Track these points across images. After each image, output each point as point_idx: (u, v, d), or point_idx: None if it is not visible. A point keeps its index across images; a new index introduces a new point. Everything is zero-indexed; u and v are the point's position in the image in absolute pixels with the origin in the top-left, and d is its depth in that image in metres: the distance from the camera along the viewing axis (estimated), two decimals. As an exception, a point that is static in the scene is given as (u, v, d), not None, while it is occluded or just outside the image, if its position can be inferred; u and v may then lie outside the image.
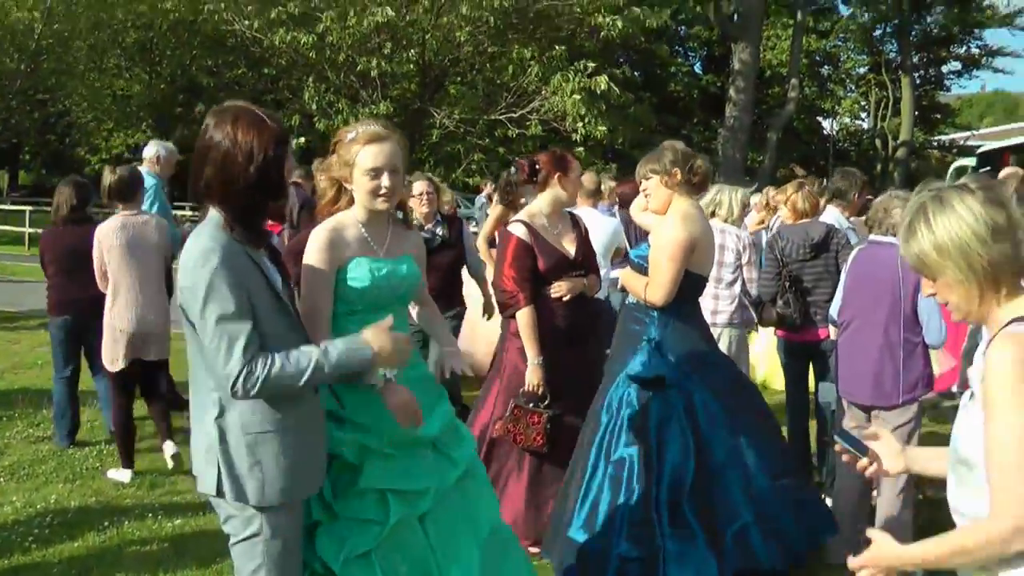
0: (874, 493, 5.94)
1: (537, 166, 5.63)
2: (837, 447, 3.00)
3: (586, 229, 5.85)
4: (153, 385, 7.15)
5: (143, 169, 8.49)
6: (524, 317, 5.39)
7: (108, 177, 6.94)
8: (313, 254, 3.61)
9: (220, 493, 3.13)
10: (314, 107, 22.21)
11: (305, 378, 3.04)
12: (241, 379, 2.96)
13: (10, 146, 38.38)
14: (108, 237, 6.78)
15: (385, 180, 3.63)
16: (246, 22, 21.60)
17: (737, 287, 7.00)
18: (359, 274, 3.67)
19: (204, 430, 3.16)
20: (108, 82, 28.80)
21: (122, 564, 5.42)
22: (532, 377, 5.35)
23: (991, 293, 2.48)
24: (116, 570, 5.33)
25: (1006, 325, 2.43)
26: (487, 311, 7.52)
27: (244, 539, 3.20)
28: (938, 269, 2.50)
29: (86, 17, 25.26)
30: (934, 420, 8.40)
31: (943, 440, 7.93)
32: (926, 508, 6.33)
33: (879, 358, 5.48)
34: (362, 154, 3.64)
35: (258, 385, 2.97)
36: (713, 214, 7.01)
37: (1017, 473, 2.28)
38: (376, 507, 3.59)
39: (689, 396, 4.94)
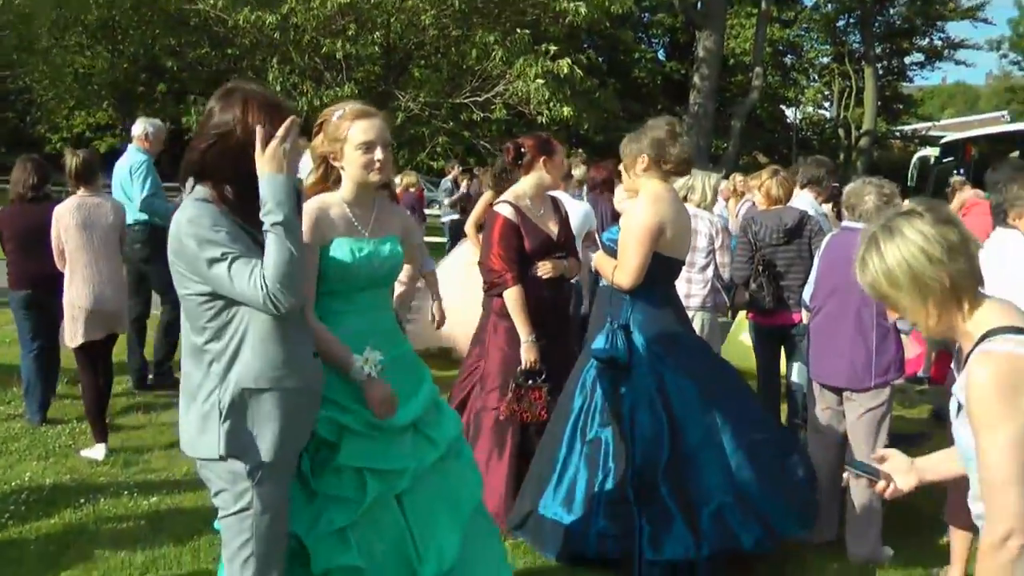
0: (845, 475, 6.04)
1: (522, 149, 5.68)
2: (851, 474, 3.09)
3: (566, 212, 5.91)
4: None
5: (132, 146, 8.63)
6: (513, 295, 5.44)
7: (71, 160, 7.15)
8: None
9: (221, 456, 3.15)
10: (278, 88, 22.04)
11: (284, 241, 3.02)
12: (268, 297, 3.00)
13: (-33, 124, 37.88)
14: (64, 216, 7.00)
15: (378, 153, 3.73)
16: (210, 1, 21.40)
17: (710, 271, 7.05)
18: (340, 254, 3.72)
19: (201, 397, 3.18)
20: (70, 60, 28.42)
21: (99, 541, 5.43)
22: (528, 354, 5.41)
23: (953, 309, 2.59)
24: (93, 547, 5.34)
25: (979, 341, 2.54)
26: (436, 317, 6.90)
27: (233, 513, 3.23)
28: (893, 297, 2.60)
29: (48, -7, 24.97)
30: (900, 404, 8.53)
31: (910, 424, 8.04)
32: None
33: (852, 341, 5.57)
34: (353, 129, 3.73)
35: (279, 287, 3.00)
36: (686, 199, 7.06)
37: (1002, 487, 2.44)
38: (353, 485, 3.63)
39: (660, 377, 4.96)
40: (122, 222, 7.30)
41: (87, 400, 6.94)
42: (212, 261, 3.01)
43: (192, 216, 3.04)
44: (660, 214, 4.91)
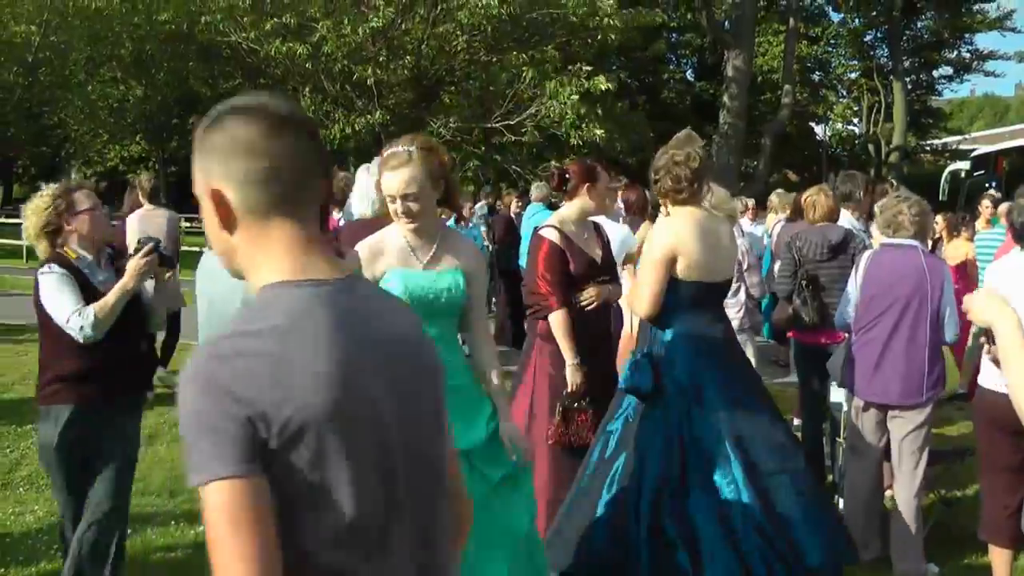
0: (887, 493, 6.02)
1: (567, 176, 5.73)
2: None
3: (607, 237, 5.94)
4: None
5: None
6: (558, 319, 5.45)
7: (144, 181, 9.66)
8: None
9: None
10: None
11: None
12: None
13: (4, 159, 38.33)
14: (132, 224, 9.21)
15: (399, 206, 3.79)
16: (242, 33, 21.63)
17: (742, 294, 7.05)
18: (392, 284, 3.78)
19: None
20: (104, 93, 28.81)
21: (148, 571, 5.48)
22: (574, 377, 5.42)
23: None
24: (144, 577, 5.40)
25: None
26: None
27: None
28: None
29: (82, 29, 25.33)
30: (939, 420, 8.47)
31: (949, 441, 7.96)
32: (941, 507, 6.42)
33: (907, 357, 5.57)
34: (383, 178, 3.83)
35: None
36: None
37: None
38: None
39: (682, 410, 4.81)
40: (176, 231, 8.78)
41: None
42: None
43: None
44: (670, 239, 4.79)
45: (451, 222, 12.31)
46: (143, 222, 9.22)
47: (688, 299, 4.84)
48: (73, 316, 4.40)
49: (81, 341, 4.43)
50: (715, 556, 4.59)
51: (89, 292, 4.52)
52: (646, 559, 4.65)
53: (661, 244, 4.80)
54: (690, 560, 4.61)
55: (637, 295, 4.92)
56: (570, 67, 21.06)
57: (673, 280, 4.79)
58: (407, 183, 3.79)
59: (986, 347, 4.79)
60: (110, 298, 4.48)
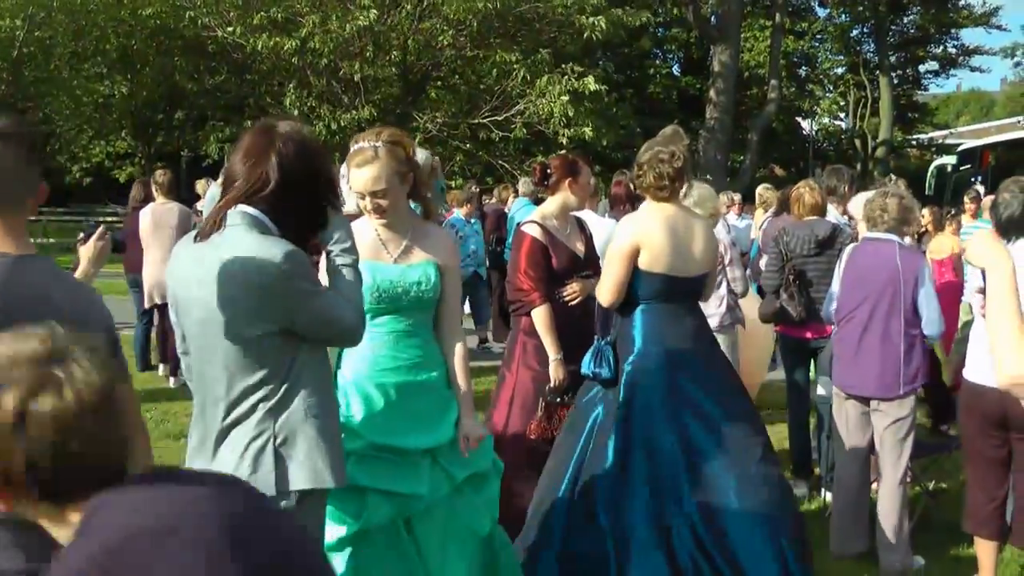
0: (874, 486, 6.04)
1: (549, 170, 5.75)
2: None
3: (590, 232, 5.94)
4: None
5: None
6: (541, 315, 5.45)
7: (161, 177, 10.22)
8: None
9: (281, 489, 3.08)
10: (296, 113, 22.17)
11: (358, 276, 3.26)
12: (359, 325, 3.18)
13: (-11, 155, 38.03)
14: (145, 216, 10.22)
15: (368, 203, 3.82)
16: (228, 28, 21.56)
17: (723, 288, 6.97)
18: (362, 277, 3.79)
19: (256, 441, 3.11)
20: (89, 89, 28.64)
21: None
22: (557, 372, 5.40)
23: None
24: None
25: None
26: None
27: None
28: None
29: (67, 24, 25.19)
30: (924, 414, 8.50)
31: (934, 434, 7.98)
32: (926, 499, 6.43)
33: (881, 351, 5.60)
34: (351, 175, 3.86)
35: (363, 317, 3.22)
36: None
37: None
38: (353, 502, 3.66)
39: (646, 403, 4.79)
40: (187, 224, 9.68)
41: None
42: (308, 294, 3.03)
43: (285, 252, 2.97)
44: (632, 232, 4.87)
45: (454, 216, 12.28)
46: (156, 215, 10.03)
47: (653, 291, 4.88)
48: None
49: None
50: (647, 557, 4.54)
51: None
52: (581, 550, 4.63)
53: (626, 236, 4.87)
54: (616, 554, 4.58)
55: (601, 285, 5.00)
56: (562, 66, 21.05)
57: (639, 272, 4.84)
58: (374, 180, 3.80)
59: (978, 300, 4.82)
60: None
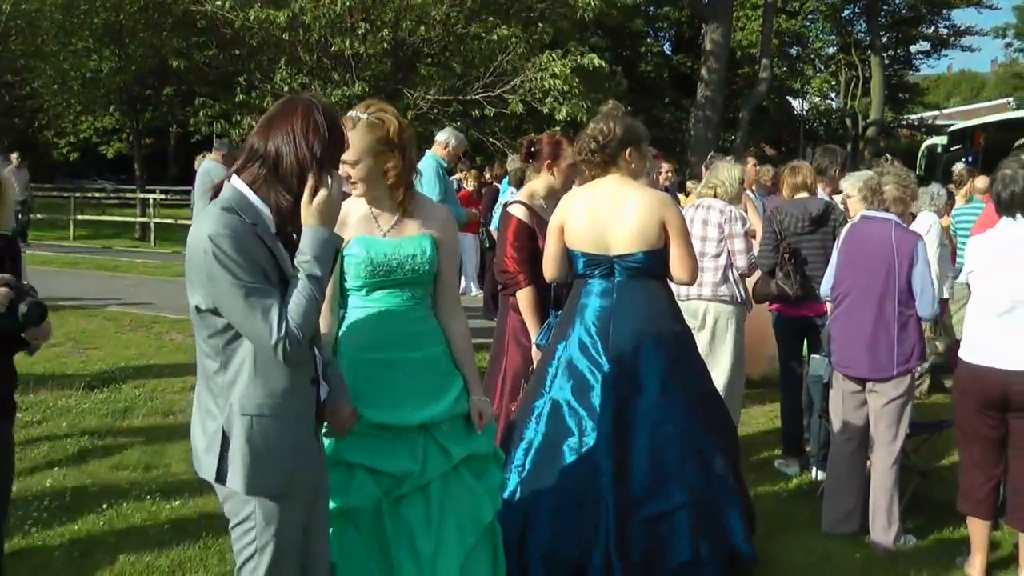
0: (868, 463, 6.03)
1: (534, 148, 5.77)
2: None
3: None
4: None
5: (429, 152, 8.80)
6: (525, 296, 5.50)
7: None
8: None
9: (220, 478, 3.09)
10: (286, 89, 22.02)
11: (314, 294, 3.02)
12: (283, 343, 2.94)
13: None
14: None
15: (343, 170, 3.62)
16: (217, 2, 21.37)
17: (722, 259, 6.86)
18: (355, 251, 3.77)
19: (208, 418, 3.12)
20: (77, 64, 28.39)
21: (123, 547, 5.41)
22: (538, 354, 5.37)
23: None
24: (118, 552, 5.33)
25: None
26: None
27: (239, 523, 3.16)
28: None
29: (54, -3, 24.99)
30: (919, 392, 8.50)
31: (933, 412, 7.98)
32: (918, 479, 6.42)
33: (874, 331, 5.59)
34: None
35: (299, 338, 2.97)
36: (715, 194, 7.00)
37: None
38: (340, 480, 3.63)
39: (567, 364, 4.87)
40: None
41: None
42: (229, 283, 2.93)
43: (217, 234, 2.92)
44: (559, 209, 5.02)
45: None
46: None
47: (580, 267, 4.95)
48: None
49: None
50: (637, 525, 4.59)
51: None
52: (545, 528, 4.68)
53: (556, 213, 5.04)
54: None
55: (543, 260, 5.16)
56: (569, 44, 21.01)
57: (568, 249, 4.97)
58: (353, 144, 3.68)
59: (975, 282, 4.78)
60: None
